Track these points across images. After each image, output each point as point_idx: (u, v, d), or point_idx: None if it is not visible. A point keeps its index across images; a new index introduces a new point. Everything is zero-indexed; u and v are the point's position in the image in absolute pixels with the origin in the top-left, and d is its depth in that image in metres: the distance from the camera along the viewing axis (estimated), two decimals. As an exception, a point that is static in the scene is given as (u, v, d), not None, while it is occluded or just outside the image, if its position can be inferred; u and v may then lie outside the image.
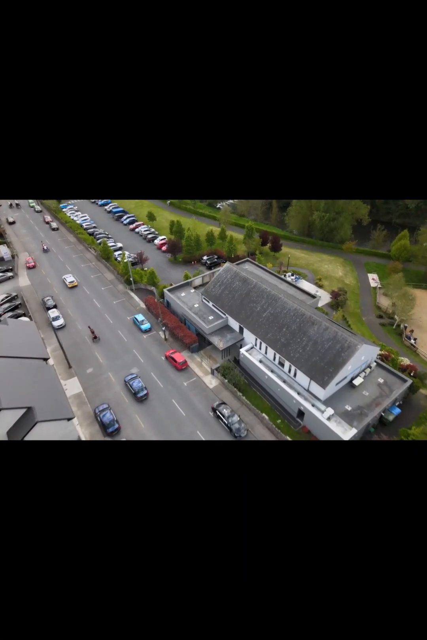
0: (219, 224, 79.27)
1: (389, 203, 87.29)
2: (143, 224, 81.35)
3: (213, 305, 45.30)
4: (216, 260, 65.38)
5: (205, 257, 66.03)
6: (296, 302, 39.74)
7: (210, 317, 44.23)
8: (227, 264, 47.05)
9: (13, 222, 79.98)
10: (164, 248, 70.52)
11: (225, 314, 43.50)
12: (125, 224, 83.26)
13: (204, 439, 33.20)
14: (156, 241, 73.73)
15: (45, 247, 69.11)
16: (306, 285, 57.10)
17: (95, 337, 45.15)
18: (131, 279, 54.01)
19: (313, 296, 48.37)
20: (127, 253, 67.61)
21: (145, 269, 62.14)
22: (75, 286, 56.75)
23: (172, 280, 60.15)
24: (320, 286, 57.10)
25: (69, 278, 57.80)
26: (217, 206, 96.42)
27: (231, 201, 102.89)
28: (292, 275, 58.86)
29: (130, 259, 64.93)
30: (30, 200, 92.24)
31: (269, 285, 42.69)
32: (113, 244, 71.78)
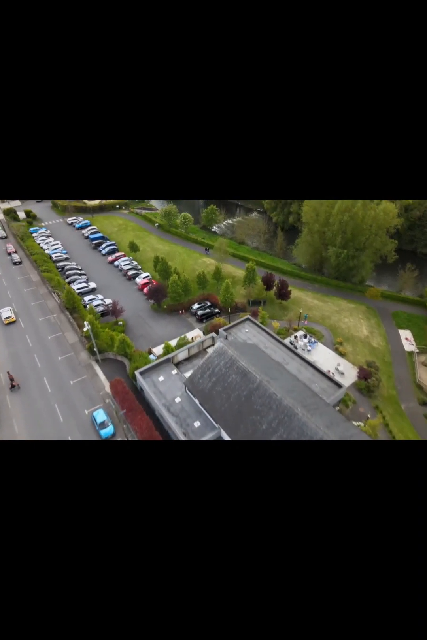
0: (211, 253, 66.65)
1: (414, 230, 74.56)
2: (124, 256, 68.54)
3: (200, 403, 32.51)
4: (208, 309, 52.62)
5: (195, 306, 53.30)
6: (320, 418, 26.89)
7: (197, 424, 31.41)
8: (219, 343, 34.15)
9: (-31, 254, 67.27)
10: (145, 290, 57.78)
11: (217, 424, 30.67)
12: (103, 254, 70.47)
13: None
14: (138, 280, 60.97)
15: None
16: (322, 351, 44.31)
17: (13, 386, 37.05)
18: (95, 349, 41.11)
19: (338, 385, 35.56)
20: (98, 298, 54.85)
21: (120, 323, 49.39)
22: (13, 322, 48.73)
23: (154, 339, 47.41)
24: (342, 354, 44.28)
25: (5, 313, 49.10)
26: (213, 229, 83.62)
27: (229, 221, 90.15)
28: (305, 337, 46.08)
29: (100, 309, 52.22)
30: (-5, 224, 79.42)
31: (278, 386, 29.77)
32: (85, 284, 58.97)
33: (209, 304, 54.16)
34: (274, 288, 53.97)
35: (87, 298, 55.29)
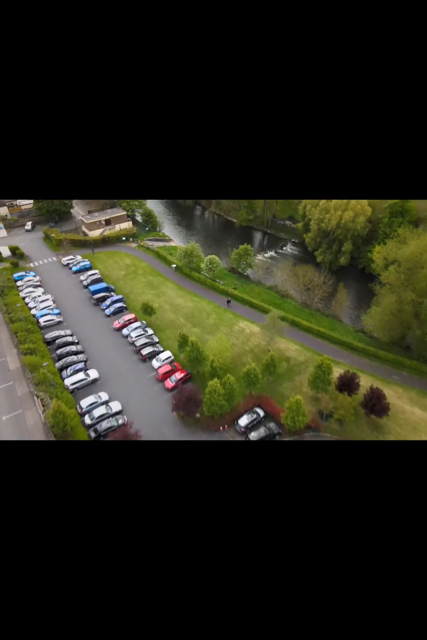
0: (253, 317, 49.65)
1: None
2: (135, 319, 51.57)
3: None
4: (263, 429, 35.45)
5: (244, 420, 36.38)
6: None
7: None
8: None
9: None
10: (168, 384, 40.84)
11: None
12: (107, 315, 53.45)
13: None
14: (156, 363, 43.92)
15: None
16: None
17: None
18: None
19: None
20: (101, 400, 37.94)
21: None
22: None
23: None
24: None
25: None
26: (245, 274, 66.48)
27: (260, 257, 73.05)
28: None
29: (106, 426, 35.25)
30: (-31, 269, 62.53)
31: None
32: (82, 375, 41.62)
33: (262, 414, 37.18)
34: (359, 392, 36.96)
35: (85, 402, 38.28)
